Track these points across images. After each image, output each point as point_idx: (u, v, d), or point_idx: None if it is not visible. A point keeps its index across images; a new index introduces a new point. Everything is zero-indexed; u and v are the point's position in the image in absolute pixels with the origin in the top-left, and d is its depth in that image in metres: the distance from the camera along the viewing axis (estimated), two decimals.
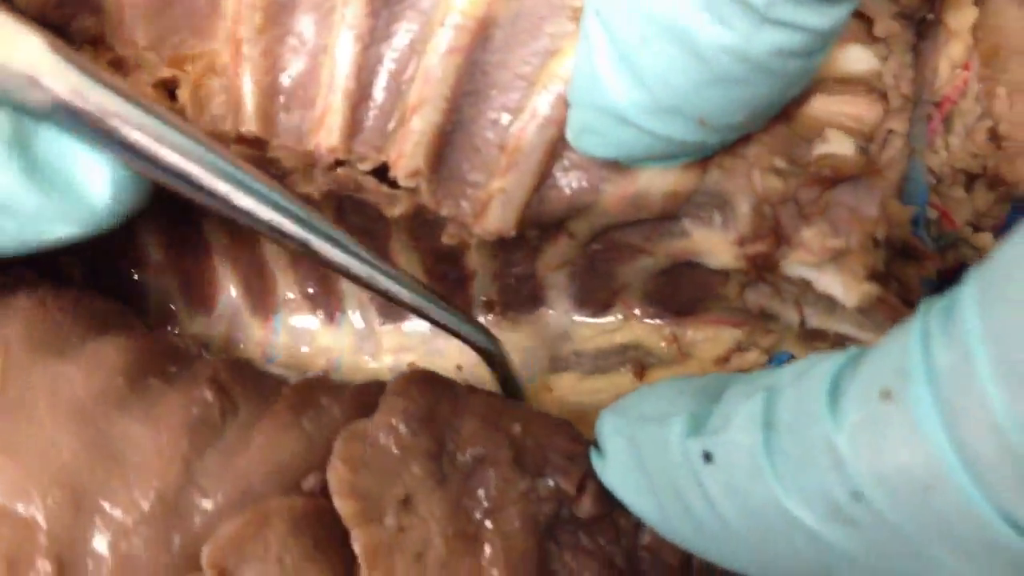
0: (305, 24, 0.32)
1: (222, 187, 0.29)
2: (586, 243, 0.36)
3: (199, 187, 0.29)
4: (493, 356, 0.36)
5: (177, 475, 0.30)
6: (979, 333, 0.21)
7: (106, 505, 0.29)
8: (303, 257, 0.35)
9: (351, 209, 0.36)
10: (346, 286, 0.40)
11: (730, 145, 0.31)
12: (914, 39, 0.33)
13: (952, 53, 0.34)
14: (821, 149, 0.31)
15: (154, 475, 0.30)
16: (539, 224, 0.34)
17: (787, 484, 0.24)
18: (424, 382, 0.32)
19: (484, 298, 0.39)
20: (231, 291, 0.41)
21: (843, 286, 0.31)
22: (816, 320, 0.34)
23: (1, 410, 0.30)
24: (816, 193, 0.31)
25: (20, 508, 0.29)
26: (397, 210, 0.34)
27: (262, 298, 0.41)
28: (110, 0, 0.33)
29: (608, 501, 0.30)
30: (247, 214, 0.29)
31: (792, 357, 0.38)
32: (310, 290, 0.40)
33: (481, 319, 0.40)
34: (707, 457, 0.26)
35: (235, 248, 0.40)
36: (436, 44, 0.31)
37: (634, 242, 0.36)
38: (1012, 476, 0.20)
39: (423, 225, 0.36)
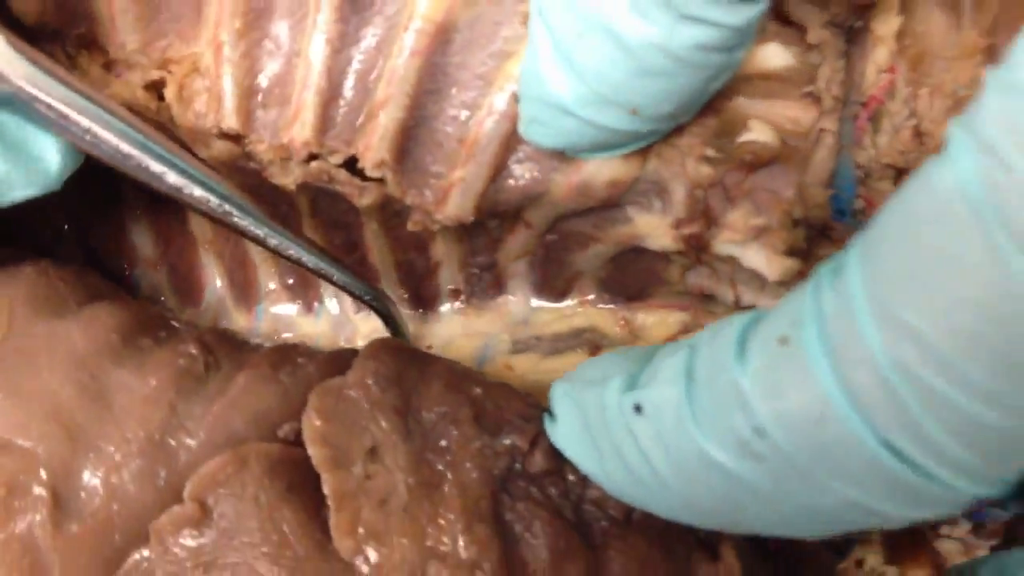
0: (281, 29, 0.35)
1: (155, 166, 0.33)
2: (542, 233, 0.39)
3: (134, 165, 0.33)
4: (390, 318, 0.40)
5: (163, 417, 0.32)
6: (859, 283, 0.23)
7: (99, 442, 0.32)
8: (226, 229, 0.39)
9: (325, 201, 0.39)
10: None
11: (666, 137, 0.33)
12: (844, 45, 0.36)
13: (878, 58, 0.36)
14: (744, 137, 0.34)
15: (143, 416, 0.32)
16: (496, 211, 0.36)
17: (704, 427, 0.26)
18: (395, 348, 0.35)
19: (450, 286, 0.42)
20: (216, 283, 0.43)
21: (766, 261, 0.33)
22: (749, 297, 0.37)
23: (5, 360, 0.33)
24: (741, 178, 0.34)
25: (21, 442, 0.32)
26: (366, 200, 0.36)
27: (245, 290, 0.43)
28: (103, 8, 0.36)
29: (558, 458, 0.33)
30: (177, 190, 0.34)
31: None
32: (290, 281, 0.43)
33: (447, 306, 0.42)
34: (637, 409, 0.28)
35: (219, 243, 0.42)
36: (400, 47, 0.34)
37: (585, 231, 0.38)
38: (888, 406, 0.23)
39: (393, 216, 0.38)
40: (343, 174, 0.36)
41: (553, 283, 0.41)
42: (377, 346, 0.35)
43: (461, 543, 0.31)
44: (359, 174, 0.36)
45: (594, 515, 0.33)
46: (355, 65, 0.35)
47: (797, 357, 0.24)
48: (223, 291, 0.43)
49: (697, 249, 0.35)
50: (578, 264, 0.40)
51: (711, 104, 0.33)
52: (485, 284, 0.42)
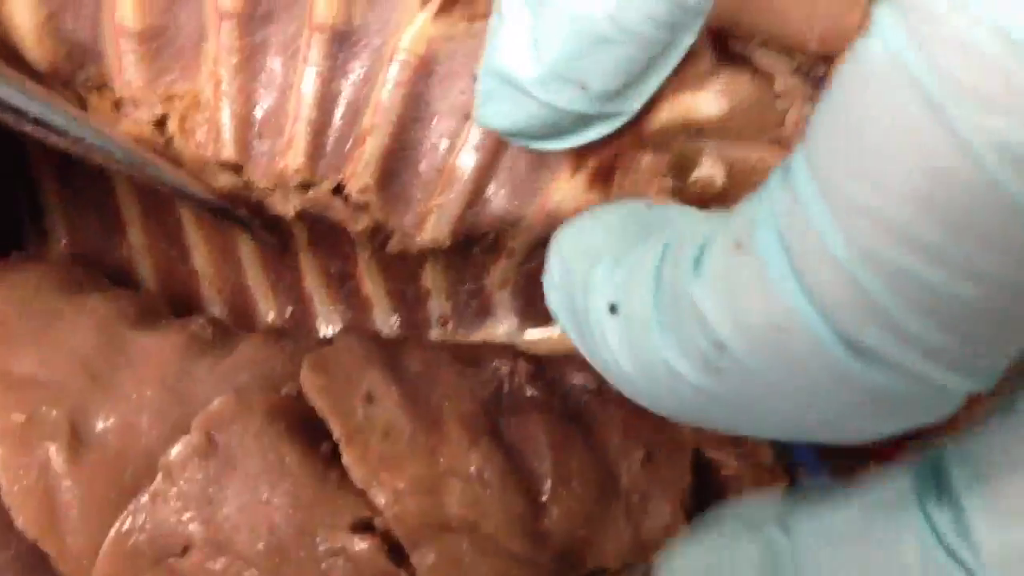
0: (274, 64, 0.37)
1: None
2: (524, 261, 0.41)
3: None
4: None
5: (176, 369, 0.36)
6: (804, 173, 0.22)
7: (116, 384, 0.35)
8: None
9: (321, 233, 0.41)
10: (319, 307, 0.44)
11: (625, 166, 0.36)
12: (811, 91, 0.37)
13: None
14: (696, 174, 0.36)
15: (157, 368, 0.35)
16: (474, 236, 0.38)
17: (667, 338, 0.25)
18: (367, 330, 0.38)
19: (440, 314, 0.44)
20: (217, 315, 0.45)
21: None
22: None
23: (31, 321, 0.36)
24: None
25: (43, 377, 0.35)
26: (359, 225, 0.38)
27: (245, 322, 0.45)
28: (110, 50, 0.38)
29: (537, 362, 0.37)
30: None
31: None
32: (288, 311, 0.45)
33: (437, 331, 0.44)
34: (612, 309, 0.28)
35: (220, 280, 0.44)
36: (385, 79, 0.36)
37: None
38: (851, 297, 0.21)
39: (384, 246, 0.40)
40: (338, 201, 0.38)
41: (537, 309, 0.43)
42: (350, 329, 0.38)
43: (469, 458, 0.34)
44: (353, 204, 0.38)
45: (578, 395, 0.37)
46: (344, 96, 0.37)
47: (753, 263, 0.23)
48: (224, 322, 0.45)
49: None
50: None
51: (669, 143, 0.35)
52: (472, 311, 0.43)
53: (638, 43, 0.30)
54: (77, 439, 0.34)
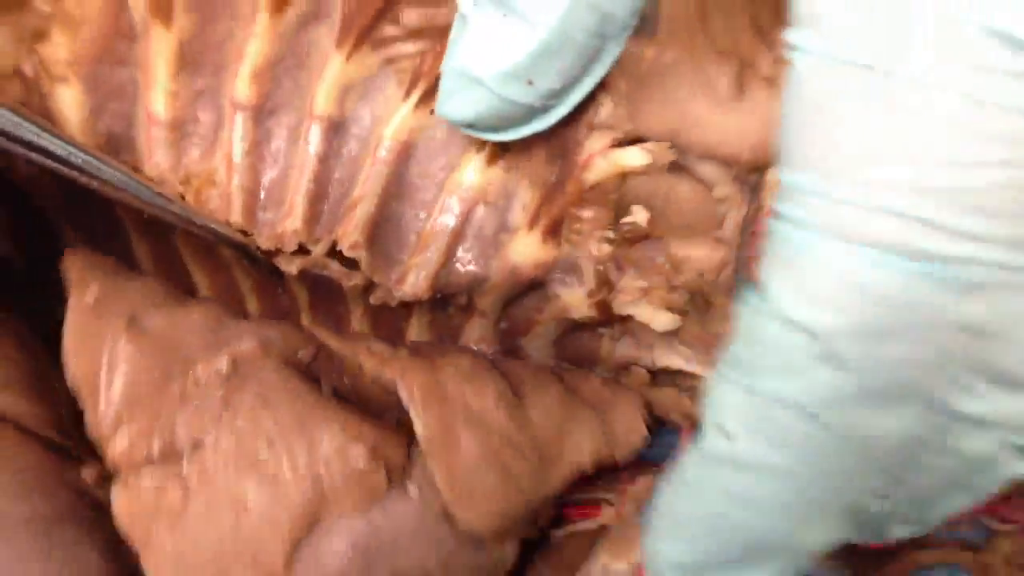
0: (279, 146, 0.43)
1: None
2: (496, 321, 0.46)
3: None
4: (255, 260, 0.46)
5: (216, 312, 0.43)
6: (806, 180, 0.25)
7: (168, 306, 0.43)
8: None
9: (321, 289, 0.46)
10: None
11: (571, 222, 0.42)
12: (748, 195, 0.42)
13: (767, 201, 0.42)
14: (626, 219, 0.42)
15: (201, 308, 0.43)
16: (449, 292, 0.44)
17: (779, 379, 0.27)
18: None
19: None
20: None
21: (652, 315, 0.42)
22: (661, 356, 0.45)
23: (102, 268, 0.44)
24: (626, 251, 0.42)
25: (112, 286, 0.43)
26: (353, 282, 0.44)
27: None
28: (142, 138, 0.43)
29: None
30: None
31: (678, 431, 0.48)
32: None
33: None
34: (731, 465, 0.29)
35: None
36: (373, 159, 0.42)
37: (529, 315, 0.46)
38: (936, 229, 0.23)
39: (375, 302, 0.47)
40: (335, 262, 0.44)
41: None
42: None
43: (461, 359, 0.42)
44: (344, 264, 0.44)
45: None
46: (337, 173, 0.43)
47: (829, 271, 0.25)
48: None
49: (604, 312, 0.43)
50: (528, 349, 0.47)
51: (606, 199, 0.42)
52: None
53: (575, 50, 0.36)
54: (136, 325, 0.41)
